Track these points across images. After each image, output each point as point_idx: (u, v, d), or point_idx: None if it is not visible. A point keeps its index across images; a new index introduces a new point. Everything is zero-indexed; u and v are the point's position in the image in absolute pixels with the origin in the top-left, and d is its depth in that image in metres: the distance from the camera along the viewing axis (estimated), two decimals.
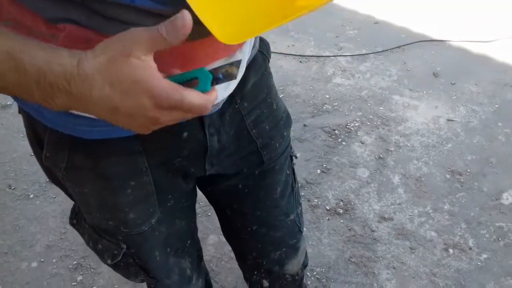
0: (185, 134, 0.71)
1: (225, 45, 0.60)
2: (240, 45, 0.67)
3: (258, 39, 0.79)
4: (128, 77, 0.45)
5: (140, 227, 0.79)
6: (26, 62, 0.46)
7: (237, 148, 0.81)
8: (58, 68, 0.46)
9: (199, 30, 0.56)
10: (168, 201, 0.81)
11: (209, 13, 0.47)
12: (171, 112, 0.49)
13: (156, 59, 0.49)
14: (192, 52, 0.58)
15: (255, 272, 1.11)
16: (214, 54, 0.61)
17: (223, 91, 0.68)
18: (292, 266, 1.08)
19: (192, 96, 0.48)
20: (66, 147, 0.67)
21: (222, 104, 0.71)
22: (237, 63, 0.52)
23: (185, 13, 0.45)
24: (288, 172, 0.95)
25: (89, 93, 0.46)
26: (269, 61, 0.84)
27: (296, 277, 1.14)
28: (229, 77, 0.52)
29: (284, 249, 1.03)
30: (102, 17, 0.50)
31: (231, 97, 0.73)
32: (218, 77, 0.52)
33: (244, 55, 0.71)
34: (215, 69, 0.51)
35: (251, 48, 0.75)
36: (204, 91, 0.50)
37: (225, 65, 0.52)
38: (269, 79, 0.85)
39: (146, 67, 0.46)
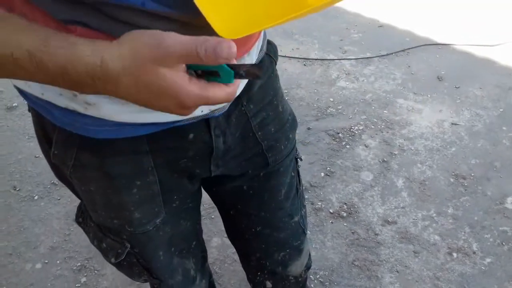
0: (191, 135, 0.72)
1: None
2: (248, 49, 0.67)
3: (265, 42, 0.80)
4: (155, 85, 0.46)
5: (145, 226, 0.80)
6: (46, 61, 0.46)
7: (243, 149, 0.82)
8: (80, 67, 0.46)
9: (208, 35, 0.57)
10: (174, 201, 0.81)
11: (210, 6, 0.48)
12: (196, 107, 0.50)
13: None
14: None
15: (259, 273, 1.11)
16: None
17: None
18: (296, 268, 1.09)
19: (217, 93, 0.48)
20: (74, 145, 0.68)
21: (228, 106, 0.72)
22: (259, 66, 0.51)
23: (233, 45, 0.44)
24: (293, 174, 0.96)
25: (115, 89, 0.47)
26: (276, 64, 0.85)
27: (300, 279, 1.14)
28: (251, 76, 0.50)
29: (287, 250, 1.04)
30: (113, 20, 0.51)
31: (238, 99, 0.74)
32: (240, 73, 0.50)
33: (252, 58, 0.71)
34: (236, 65, 0.50)
35: (259, 51, 0.76)
36: (227, 80, 0.49)
37: (246, 64, 0.51)
38: (276, 81, 0.85)
39: (175, 74, 0.46)
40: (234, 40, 0.51)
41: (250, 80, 0.74)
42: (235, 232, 1.07)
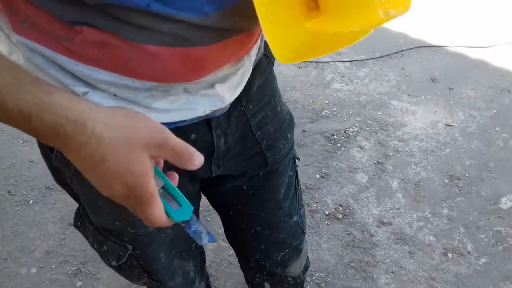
0: (193, 136, 0.72)
1: (234, 50, 0.63)
2: (247, 50, 0.68)
3: (263, 42, 0.80)
4: (128, 167, 0.46)
5: (147, 227, 0.80)
6: (8, 101, 0.43)
7: (242, 149, 0.82)
8: (48, 117, 0.44)
9: (212, 36, 0.58)
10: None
11: (276, 36, 0.54)
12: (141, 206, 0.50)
13: (167, 62, 0.54)
14: (203, 57, 0.59)
15: (257, 275, 1.12)
16: (223, 58, 0.63)
17: (230, 95, 0.70)
18: (295, 268, 1.09)
19: (158, 212, 0.51)
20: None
21: (229, 106, 0.72)
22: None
23: (199, 158, 0.51)
24: (291, 173, 0.96)
25: (75, 150, 0.46)
26: (273, 65, 0.86)
27: (298, 280, 1.15)
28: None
29: (287, 251, 1.04)
30: (119, 21, 0.51)
31: (237, 99, 0.74)
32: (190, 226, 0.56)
33: (251, 59, 0.72)
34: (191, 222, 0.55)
35: (257, 51, 0.76)
36: (180, 217, 0.54)
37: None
38: (273, 82, 0.86)
39: (148, 167, 0.48)
40: (236, 43, 0.59)
41: (249, 81, 0.75)
42: (234, 234, 1.07)
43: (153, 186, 0.49)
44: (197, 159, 0.50)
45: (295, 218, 1.01)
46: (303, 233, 1.06)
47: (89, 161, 0.46)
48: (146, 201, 0.49)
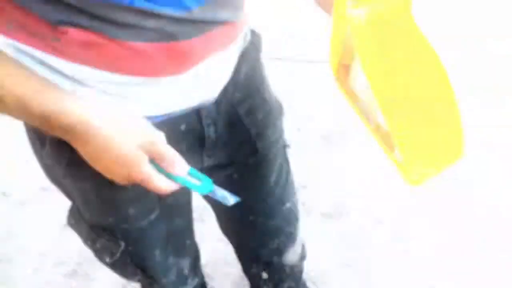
0: (183, 126, 0.73)
1: (221, 40, 0.64)
2: (233, 39, 0.69)
3: (249, 31, 0.81)
4: (125, 159, 0.56)
5: (139, 222, 0.80)
6: (32, 107, 0.52)
7: (231, 137, 0.83)
8: (63, 120, 0.53)
9: (197, 29, 0.58)
10: (167, 197, 0.82)
11: (409, 171, 0.57)
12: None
13: (154, 58, 0.55)
14: (189, 50, 0.61)
15: (254, 265, 1.12)
16: (209, 48, 0.64)
17: (218, 84, 0.71)
18: (291, 256, 1.10)
19: (156, 186, 0.60)
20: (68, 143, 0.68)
21: (216, 95, 0.73)
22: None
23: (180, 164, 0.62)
24: (281, 161, 0.97)
25: (86, 145, 0.56)
26: (261, 52, 0.86)
27: (295, 269, 1.15)
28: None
29: (281, 238, 1.05)
30: (103, 19, 0.52)
31: (225, 88, 0.75)
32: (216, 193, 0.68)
33: (238, 48, 0.73)
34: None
35: (243, 40, 0.77)
36: (204, 190, 0.66)
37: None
38: (261, 69, 0.86)
39: (140, 158, 0.57)
40: (221, 33, 0.62)
41: (236, 69, 0.76)
42: (228, 225, 1.08)
43: (146, 169, 0.58)
44: (178, 166, 0.61)
45: (288, 205, 1.01)
46: (297, 219, 1.06)
47: (95, 153, 0.57)
48: (145, 180, 0.58)
